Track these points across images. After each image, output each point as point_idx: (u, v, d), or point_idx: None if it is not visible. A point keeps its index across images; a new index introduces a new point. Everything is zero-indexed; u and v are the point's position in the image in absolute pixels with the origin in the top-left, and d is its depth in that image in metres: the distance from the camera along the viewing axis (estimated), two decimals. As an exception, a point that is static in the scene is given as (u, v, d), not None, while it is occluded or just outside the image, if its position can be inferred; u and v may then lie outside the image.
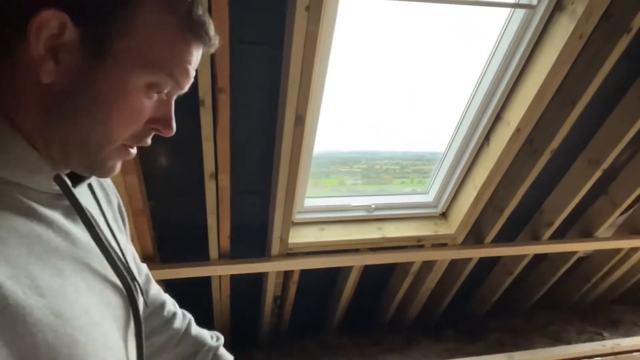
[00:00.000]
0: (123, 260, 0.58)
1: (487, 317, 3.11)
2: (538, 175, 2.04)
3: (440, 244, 2.34)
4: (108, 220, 0.59)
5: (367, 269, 2.42)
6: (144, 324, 0.59)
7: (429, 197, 2.32)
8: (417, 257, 2.34)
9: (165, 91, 0.50)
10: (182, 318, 0.80)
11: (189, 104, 1.50)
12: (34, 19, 0.42)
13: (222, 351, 0.80)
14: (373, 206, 2.23)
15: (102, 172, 0.52)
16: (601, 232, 2.50)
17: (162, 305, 0.79)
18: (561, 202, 2.28)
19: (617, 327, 3.04)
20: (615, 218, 2.42)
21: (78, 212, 0.51)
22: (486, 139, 1.94)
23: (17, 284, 0.40)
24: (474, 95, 1.87)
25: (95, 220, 0.53)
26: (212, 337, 0.81)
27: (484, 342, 2.92)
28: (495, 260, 2.71)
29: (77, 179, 0.53)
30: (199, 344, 0.78)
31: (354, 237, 2.16)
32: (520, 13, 1.57)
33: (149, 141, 0.53)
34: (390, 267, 2.59)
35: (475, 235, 2.36)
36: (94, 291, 0.50)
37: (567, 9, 1.46)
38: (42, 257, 0.44)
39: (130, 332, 0.56)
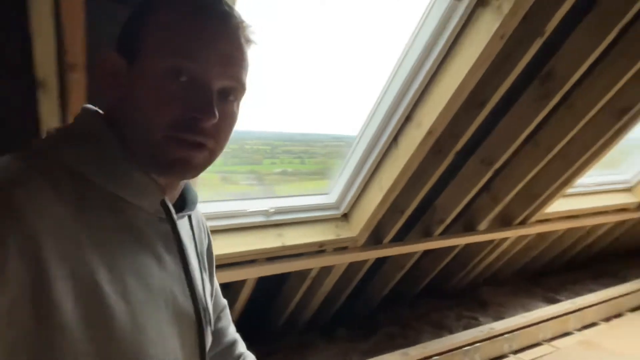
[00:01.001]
0: (200, 290, 0.63)
1: (376, 311, 3.13)
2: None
3: (341, 247, 2.19)
4: (198, 253, 0.67)
5: (262, 277, 2.17)
6: (207, 348, 0.63)
7: (330, 198, 2.15)
8: (317, 263, 2.17)
9: (191, 74, 0.53)
10: (249, 358, 0.84)
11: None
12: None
13: None
14: (272, 210, 1.96)
15: (167, 165, 0.55)
16: (482, 226, 2.64)
17: (233, 343, 0.84)
18: (453, 201, 2.31)
19: (486, 309, 3.33)
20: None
21: (175, 236, 0.59)
22: (394, 140, 1.82)
23: (112, 287, 0.49)
24: (385, 93, 1.72)
25: (186, 249, 0.61)
26: None
27: (374, 338, 2.92)
28: (388, 256, 2.69)
29: (180, 210, 0.62)
30: None
31: (251, 247, 1.88)
32: (443, 3, 1.44)
33: (197, 130, 0.54)
34: (287, 274, 2.37)
35: (374, 236, 2.28)
36: (170, 312, 0.57)
37: (492, 4, 1.37)
38: (138, 272, 0.53)
39: (195, 355, 0.61)
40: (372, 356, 2.40)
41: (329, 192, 2.16)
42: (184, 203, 0.64)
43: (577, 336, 2.99)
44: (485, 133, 2.10)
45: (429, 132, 1.68)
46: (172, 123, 0.53)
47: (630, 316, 3.30)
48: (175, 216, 0.58)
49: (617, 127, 2.21)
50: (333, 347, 2.79)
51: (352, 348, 2.80)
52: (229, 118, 0.57)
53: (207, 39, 0.53)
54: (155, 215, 0.57)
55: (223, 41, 0.55)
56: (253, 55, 0.60)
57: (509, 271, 3.73)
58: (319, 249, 2.10)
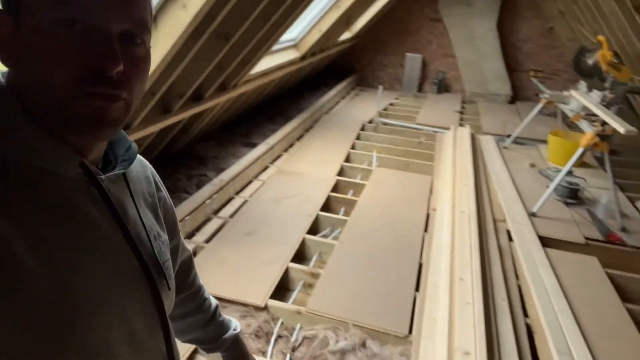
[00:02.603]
0: (148, 246, 0.61)
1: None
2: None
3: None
4: (139, 208, 0.62)
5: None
6: (166, 304, 0.63)
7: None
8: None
9: (85, 22, 0.48)
10: (211, 305, 0.89)
11: None
12: None
13: (241, 338, 0.92)
14: None
15: (80, 124, 0.51)
16: (208, 94, 2.85)
17: (197, 290, 0.86)
18: (193, 75, 2.38)
19: (207, 164, 3.75)
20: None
21: (104, 198, 0.55)
22: (153, 19, 1.68)
23: (34, 257, 0.46)
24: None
25: (125, 208, 0.58)
26: (234, 325, 0.91)
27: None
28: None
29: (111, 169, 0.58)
30: (224, 329, 0.89)
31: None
32: None
33: (105, 80, 0.49)
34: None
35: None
36: (110, 273, 0.54)
37: None
38: (67, 238, 0.50)
39: (151, 310, 0.60)
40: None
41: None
42: (115, 161, 0.60)
43: (273, 168, 3.88)
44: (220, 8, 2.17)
45: (195, 16, 1.65)
46: (75, 77, 0.48)
47: (298, 144, 4.46)
48: (102, 176, 0.55)
49: None
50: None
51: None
52: (140, 63, 0.53)
53: None
54: (78, 179, 0.54)
55: None
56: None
57: (215, 127, 4.18)
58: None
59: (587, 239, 2.75)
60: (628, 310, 2.14)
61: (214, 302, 0.90)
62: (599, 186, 3.39)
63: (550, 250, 2.58)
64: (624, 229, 2.85)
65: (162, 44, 1.73)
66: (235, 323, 0.92)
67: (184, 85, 2.41)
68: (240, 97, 3.87)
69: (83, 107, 0.49)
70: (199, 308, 0.86)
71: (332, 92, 6.21)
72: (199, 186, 3.30)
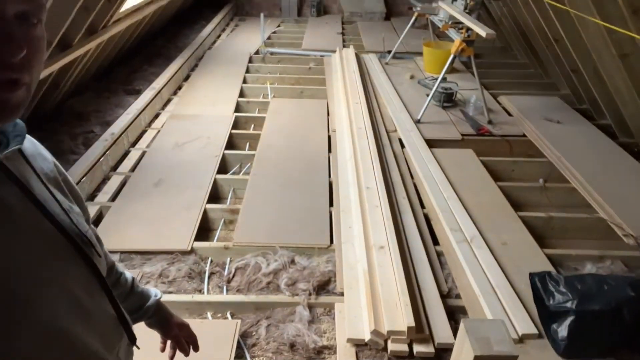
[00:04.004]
0: (65, 218, 0.61)
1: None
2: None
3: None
4: (46, 183, 0.61)
5: None
6: (101, 269, 0.65)
7: None
8: None
9: None
10: (127, 278, 0.90)
11: None
12: None
13: (162, 303, 0.96)
14: None
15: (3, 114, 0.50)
16: (76, 41, 2.55)
17: (111, 266, 0.87)
18: (56, 22, 2.11)
19: (89, 119, 3.42)
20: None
21: (9, 178, 0.54)
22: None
23: None
24: None
25: (29, 183, 0.57)
26: (154, 293, 0.94)
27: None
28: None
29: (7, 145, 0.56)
30: (144, 298, 0.92)
31: None
32: None
33: (5, 66, 0.48)
34: None
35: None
36: (37, 248, 0.55)
37: None
38: None
39: (88, 277, 0.63)
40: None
41: None
42: (7, 139, 0.58)
43: (165, 114, 3.70)
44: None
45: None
46: None
47: (186, 85, 4.25)
48: (1, 155, 0.54)
49: None
50: None
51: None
52: (38, 43, 0.51)
53: None
54: None
55: None
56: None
57: (88, 77, 3.77)
58: None
59: (463, 135, 3.18)
60: (499, 187, 2.60)
61: (129, 275, 0.92)
62: (468, 88, 3.84)
63: (435, 150, 2.95)
64: (490, 122, 3.33)
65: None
66: (155, 291, 0.95)
67: (49, 34, 2.12)
68: (111, 40, 3.51)
69: None
70: (115, 283, 0.87)
71: (211, 26, 5.87)
72: (86, 145, 3.05)
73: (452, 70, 4.13)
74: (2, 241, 0.51)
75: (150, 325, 0.95)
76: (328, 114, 3.60)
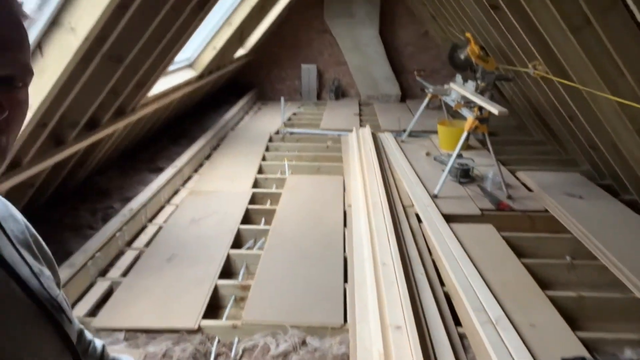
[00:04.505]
0: (35, 283, 0.58)
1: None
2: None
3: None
4: (16, 246, 0.59)
5: None
6: (73, 339, 0.61)
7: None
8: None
9: None
10: (97, 347, 0.82)
11: None
12: None
13: None
14: None
15: None
16: (104, 121, 2.71)
17: (80, 333, 0.80)
18: (86, 101, 2.26)
19: (111, 196, 3.53)
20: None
21: None
22: (38, 47, 1.58)
23: None
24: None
25: None
26: None
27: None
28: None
29: None
30: None
31: None
32: None
33: None
34: None
35: (12, 160, 1.96)
36: (7, 318, 0.51)
37: None
38: None
39: (63, 350, 0.59)
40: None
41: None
42: None
43: (185, 190, 3.78)
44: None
45: (86, 38, 1.59)
46: None
47: (207, 163, 4.39)
48: None
49: (200, 16, 2.73)
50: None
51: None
52: (21, 107, 0.52)
53: None
54: None
55: None
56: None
57: (114, 156, 3.95)
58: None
59: (482, 210, 3.11)
60: (523, 263, 2.46)
61: (99, 343, 0.87)
62: (485, 164, 3.83)
63: (454, 225, 2.87)
64: (509, 197, 3.26)
65: (50, 71, 1.63)
66: (128, 358, 0.88)
67: (78, 113, 2.27)
68: (139, 122, 3.72)
69: None
70: (84, 352, 0.82)
71: (235, 109, 6.21)
72: (105, 220, 3.09)
73: (467, 147, 4.17)
74: None
75: None
76: (344, 190, 3.62)
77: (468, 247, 2.59)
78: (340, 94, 7.50)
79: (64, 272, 2.34)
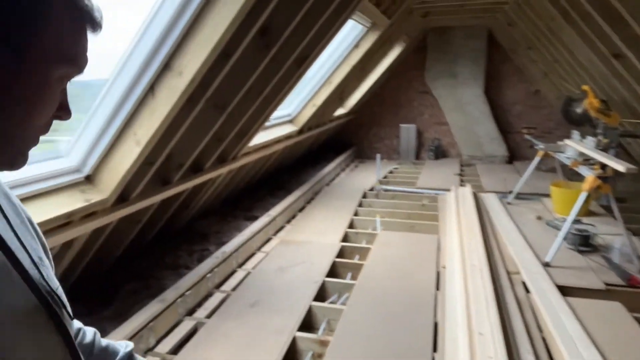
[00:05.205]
0: (36, 273, 0.54)
1: (110, 272, 2.95)
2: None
3: (90, 213, 1.97)
4: (15, 229, 0.56)
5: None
6: (72, 334, 0.58)
7: (70, 161, 1.85)
8: (62, 238, 1.87)
9: (70, 79, 0.53)
10: (89, 332, 0.79)
11: None
12: None
13: (136, 356, 0.82)
14: (2, 188, 1.54)
15: (21, 164, 0.53)
16: (207, 166, 2.90)
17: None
18: (191, 145, 2.44)
19: (209, 239, 3.71)
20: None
21: None
22: (151, 89, 1.76)
23: None
24: (140, 40, 1.62)
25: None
26: (122, 345, 0.82)
27: (117, 299, 2.79)
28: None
29: None
30: (113, 353, 0.79)
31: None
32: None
33: (50, 127, 0.54)
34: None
35: (122, 194, 2.15)
36: (8, 314, 0.48)
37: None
38: None
39: (59, 345, 0.55)
40: (123, 319, 2.34)
41: (65, 155, 1.85)
42: None
43: (276, 239, 3.82)
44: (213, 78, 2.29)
45: (191, 81, 1.73)
46: (47, 123, 0.53)
47: (300, 215, 4.43)
48: None
49: (299, 72, 2.88)
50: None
51: (96, 319, 2.59)
52: None
53: (85, 46, 0.54)
54: None
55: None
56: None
57: (216, 202, 4.20)
58: (67, 221, 1.82)
59: (607, 284, 2.61)
60: (666, 355, 1.96)
61: (90, 329, 0.82)
62: (610, 232, 3.29)
63: (571, 299, 2.44)
64: (644, 272, 2.71)
65: (159, 111, 1.80)
66: (127, 343, 0.83)
67: (183, 156, 2.46)
68: (240, 171, 3.94)
69: (32, 146, 0.53)
70: (80, 344, 0.78)
71: (332, 165, 6.33)
72: (200, 261, 3.22)
73: (588, 213, 3.65)
74: None
75: None
76: (438, 250, 3.34)
77: (589, 326, 2.15)
78: (440, 154, 7.28)
79: (155, 307, 2.43)
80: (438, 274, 2.93)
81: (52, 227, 1.74)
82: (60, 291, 0.58)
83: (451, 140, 7.29)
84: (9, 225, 0.55)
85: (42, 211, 1.68)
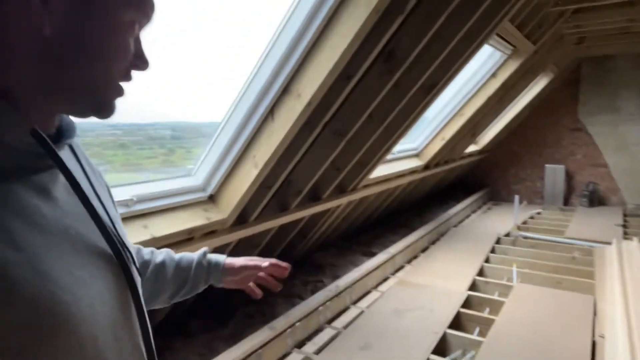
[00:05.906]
0: (110, 225, 0.57)
1: (229, 294, 3.04)
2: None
3: (210, 231, 2.04)
4: (94, 186, 0.59)
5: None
6: (139, 289, 0.59)
7: (196, 180, 1.95)
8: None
9: (141, 27, 0.55)
10: (152, 251, 0.86)
11: None
12: None
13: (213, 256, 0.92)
14: (134, 199, 1.67)
15: (109, 112, 0.54)
16: (326, 195, 2.85)
17: (138, 249, 0.84)
18: (309, 172, 2.42)
19: (324, 271, 3.64)
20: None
21: (62, 170, 0.51)
22: (271, 113, 1.78)
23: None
24: (260, 66, 1.65)
25: (80, 182, 0.54)
26: (198, 251, 0.90)
27: (233, 321, 2.85)
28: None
29: (57, 140, 0.53)
30: (187, 260, 0.87)
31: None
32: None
33: (132, 77, 0.55)
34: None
35: (241, 215, 2.19)
36: (81, 254, 0.50)
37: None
38: (22, 213, 0.45)
39: (127, 299, 0.56)
40: (236, 340, 2.34)
41: (192, 174, 1.97)
42: (60, 132, 0.57)
43: (394, 279, 3.57)
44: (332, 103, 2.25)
45: (309, 104, 1.70)
46: (125, 72, 0.54)
47: (422, 256, 4.11)
48: (53, 147, 0.51)
49: (425, 101, 2.70)
50: (192, 342, 2.60)
51: (212, 338, 2.67)
52: None
53: None
54: (29, 149, 0.48)
55: None
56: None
57: (334, 235, 4.14)
58: (188, 237, 1.90)
59: None
60: None
61: (144, 249, 0.86)
62: None
63: None
64: None
65: (277, 133, 1.80)
66: (201, 250, 0.89)
67: (301, 182, 2.45)
68: (360, 204, 3.83)
69: (116, 96, 0.54)
70: (146, 264, 0.83)
71: (461, 205, 5.84)
72: (313, 292, 3.15)
73: None
74: (50, 252, 0.46)
75: (217, 282, 0.89)
76: (594, 314, 2.72)
77: None
78: (596, 200, 6.21)
79: (265, 333, 2.39)
80: (594, 344, 2.36)
81: (176, 240, 1.83)
82: (132, 248, 0.64)
83: (611, 185, 6.19)
84: (84, 175, 0.59)
85: (168, 224, 1.78)
